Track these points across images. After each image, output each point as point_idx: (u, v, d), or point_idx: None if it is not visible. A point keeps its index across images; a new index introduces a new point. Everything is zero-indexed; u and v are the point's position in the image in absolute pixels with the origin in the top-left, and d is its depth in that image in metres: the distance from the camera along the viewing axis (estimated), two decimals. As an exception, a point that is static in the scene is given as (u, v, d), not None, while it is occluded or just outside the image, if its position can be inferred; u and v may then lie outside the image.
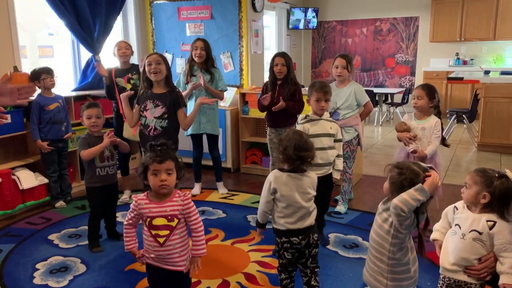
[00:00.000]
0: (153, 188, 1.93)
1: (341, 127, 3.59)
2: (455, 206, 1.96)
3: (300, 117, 3.02)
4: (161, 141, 1.96)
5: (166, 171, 1.91)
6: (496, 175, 1.81)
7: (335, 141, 2.97)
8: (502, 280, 1.74)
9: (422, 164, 1.79)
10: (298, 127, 2.92)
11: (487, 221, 1.80)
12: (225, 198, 4.15)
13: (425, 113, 3.22)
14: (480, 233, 1.80)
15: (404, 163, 1.78)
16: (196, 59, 3.98)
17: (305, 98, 3.55)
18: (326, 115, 3.01)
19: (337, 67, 3.61)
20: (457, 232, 1.88)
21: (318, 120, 2.93)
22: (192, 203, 1.99)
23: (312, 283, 2.28)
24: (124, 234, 2.04)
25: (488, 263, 1.80)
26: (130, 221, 2.00)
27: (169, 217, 1.93)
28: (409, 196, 1.64)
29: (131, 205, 1.98)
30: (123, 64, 4.05)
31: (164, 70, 3.13)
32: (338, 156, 2.98)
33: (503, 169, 1.89)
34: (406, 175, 1.71)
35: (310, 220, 2.23)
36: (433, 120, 3.20)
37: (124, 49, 4.01)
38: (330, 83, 3.74)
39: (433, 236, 2.04)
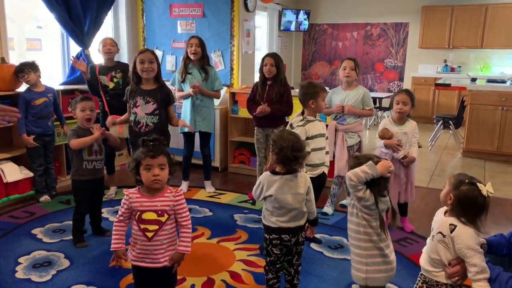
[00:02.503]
0: (146, 183, 1.92)
1: (345, 132, 3.64)
2: (438, 212, 2.00)
3: (297, 119, 2.96)
4: (153, 136, 1.97)
5: (159, 166, 1.91)
6: (467, 180, 1.84)
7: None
8: (474, 287, 1.77)
9: (378, 157, 2.04)
10: (299, 129, 2.83)
11: (450, 224, 1.84)
12: (212, 196, 4.14)
13: (404, 118, 3.29)
14: (444, 236, 1.85)
15: (361, 154, 2.07)
16: (191, 56, 3.96)
17: (295, 100, 3.56)
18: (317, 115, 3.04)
19: (345, 69, 3.61)
20: (431, 233, 1.94)
21: (314, 121, 2.93)
22: (184, 200, 2.00)
23: (295, 281, 2.32)
24: (114, 231, 1.99)
25: (458, 268, 1.83)
26: (121, 217, 1.97)
27: (159, 212, 1.93)
28: (358, 169, 1.90)
29: (123, 200, 1.96)
30: (107, 61, 4.04)
31: (156, 68, 3.12)
32: (326, 152, 3.01)
33: (487, 177, 1.93)
34: (361, 160, 1.96)
35: (303, 221, 2.24)
36: (412, 123, 3.32)
37: (109, 45, 4.00)
38: (336, 87, 3.79)
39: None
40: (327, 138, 3.03)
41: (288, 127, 3.02)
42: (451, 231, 1.81)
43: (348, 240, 3.16)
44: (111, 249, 2.00)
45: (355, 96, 3.62)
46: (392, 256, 2.01)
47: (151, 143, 1.94)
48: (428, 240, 1.97)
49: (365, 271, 1.97)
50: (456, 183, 1.84)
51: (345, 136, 3.66)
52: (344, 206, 3.82)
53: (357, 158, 2.01)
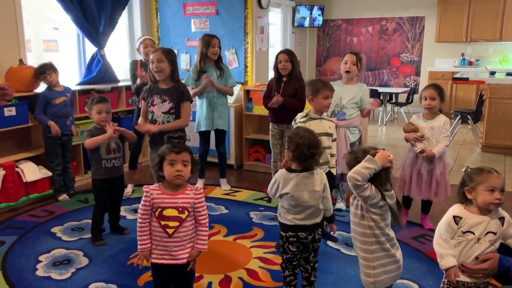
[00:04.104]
0: (168, 178, 1.94)
1: (346, 127, 3.57)
2: (454, 217, 1.87)
3: (300, 115, 2.94)
4: (178, 134, 2.00)
5: (183, 162, 1.94)
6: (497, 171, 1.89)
7: (332, 140, 2.94)
8: None
9: (372, 147, 1.94)
10: (300, 125, 2.82)
11: (499, 219, 1.83)
12: (227, 194, 4.15)
13: (435, 113, 3.21)
14: (495, 233, 1.82)
15: (356, 148, 2.01)
16: (213, 56, 3.99)
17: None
18: (324, 114, 2.98)
19: (346, 63, 3.54)
20: (470, 239, 1.83)
21: (319, 119, 2.88)
22: (204, 198, 2.02)
23: (312, 278, 2.30)
24: (139, 231, 1.98)
25: (487, 265, 1.80)
26: (145, 216, 1.96)
27: (180, 209, 1.95)
28: (359, 166, 1.80)
29: (143, 197, 1.97)
30: (147, 60, 4.07)
31: (166, 67, 3.07)
32: (332, 155, 2.95)
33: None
34: (357, 154, 1.89)
35: (319, 218, 2.23)
36: (441, 119, 3.20)
37: (150, 47, 4.08)
38: (335, 81, 3.74)
39: (447, 263, 1.84)
40: (334, 140, 2.95)
41: (292, 123, 2.99)
42: (502, 224, 1.82)
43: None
44: (138, 250, 1.99)
45: (353, 92, 3.54)
46: (398, 253, 1.94)
47: (176, 140, 1.98)
48: (469, 247, 1.84)
49: (373, 275, 1.91)
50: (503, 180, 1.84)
51: (347, 132, 3.55)
52: (340, 210, 3.74)
53: (353, 152, 1.95)
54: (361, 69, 3.60)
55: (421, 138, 3.15)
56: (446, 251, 1.85)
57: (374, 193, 1.81)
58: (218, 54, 4.03)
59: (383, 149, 1.88)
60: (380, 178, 1.83)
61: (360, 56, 3.59)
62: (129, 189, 4.15)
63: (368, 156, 1.81)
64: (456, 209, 1.90)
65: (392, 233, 1.93)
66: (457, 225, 1.85)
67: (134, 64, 4.14)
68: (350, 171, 1.82)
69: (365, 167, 1.79)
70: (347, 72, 3.54)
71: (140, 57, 4.23)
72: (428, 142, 3.16)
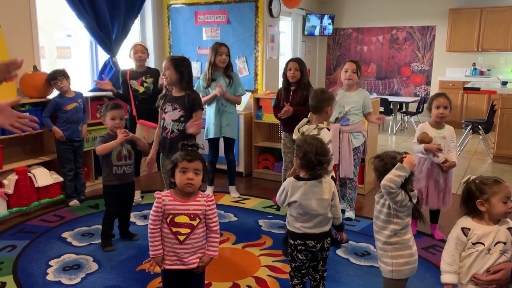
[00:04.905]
0: (179, 185, 1.96)
1: (350, 133, 3.61)
2: (463, 228, 1.86)
3: (309, 128, 2.87)
4: (192, 142, 2.03)
5: (194, 170, 1.96)
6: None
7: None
8: None
9: (396, 151, 2.04)
10: (312, 135, 2.78)
11: (508, 229, 1.81)
12: (236, 202, 4.16)
13: (443, 122, 3.21)
14: (505, 243, 1.80)
15: (382, 153, 2.05)
16: (220, 64, 4.03)
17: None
18: (325, 123, 3.01)
19: (346, 71, 3.61)
20: (480, 250, 1.81)
21: (324, 129, 2.87)
22: (215, 206, 2.04)
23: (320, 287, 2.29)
24: (151, 237, 1.98)
25: (499, 275, 1.77)
26: (156, 222, 1.97)
27: (192, 216, 1.96)
28: (392, 174, 1.91)
29: (155, 203, 1.98)
30: (138, 67, 4.13)
31: (171, 75, 3.05)
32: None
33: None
34: (386, 160, 1.98)
35: (328, 227, 2.23)
36: (449, 128, 3.25)
37: (140, 53, 4.10)
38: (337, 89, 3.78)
39: (445, 279, 1.86)
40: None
41: (296, 132, 2.93)
42: None
43: (375, 247, 3.13)
44: (151, 256, 1.99)
45: (355, 99, 3.60)
46: (415, 248, 2.05)
47: (190, 148, 2.00)
48: (480, 258, 1.81)
49: (391, 264, 2.01)
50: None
51: (351, 137, 3.61)
52: (349, 219, 3.71)
53: (380, 159, 2.01)
54: (360, 76, 3.67)
55: (440, 148, 3.14)
56: (448, 267, 1.86)
57: (404, 196, 1.94)
58: (227, 62, 4.06)
59: (406, 152, 1.99)
60: (407, 182, 1.95)
61: (359, 64, 3.67)
62: (136, 195, 4.16)
63: (399, 164, 1.92)
64: (464, 221, 1.89)
65: (410, 228, 2.05)
66: (466, 236, 1.84)
67: (123, 74, 4.15)
68: (384, 179, 1.92)
69: (397, 175, 1.90)
70: (348, 79, 3.61)
71: (130, 66, 4.23)
72: (442, 151, 3.16)
